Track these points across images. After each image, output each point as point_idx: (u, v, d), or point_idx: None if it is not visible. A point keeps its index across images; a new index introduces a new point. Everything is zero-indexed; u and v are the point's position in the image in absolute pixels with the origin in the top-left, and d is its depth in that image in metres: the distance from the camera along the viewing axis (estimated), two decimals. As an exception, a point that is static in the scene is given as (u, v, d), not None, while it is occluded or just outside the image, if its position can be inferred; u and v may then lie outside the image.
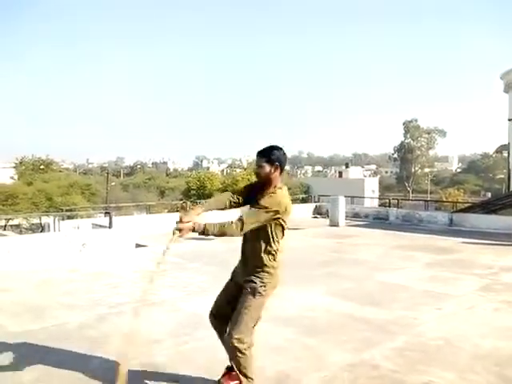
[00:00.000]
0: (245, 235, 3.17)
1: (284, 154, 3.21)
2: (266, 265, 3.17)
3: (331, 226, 14.96)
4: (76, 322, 5.07)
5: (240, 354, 3.10)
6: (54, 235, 10.70)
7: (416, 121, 69.81)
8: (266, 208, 3.03)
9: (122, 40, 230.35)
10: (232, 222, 3.02)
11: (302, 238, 12.13)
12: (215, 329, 3.45)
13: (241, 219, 3.01)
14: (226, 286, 3.53)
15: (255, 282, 3.16)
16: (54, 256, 8.27)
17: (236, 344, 3.07)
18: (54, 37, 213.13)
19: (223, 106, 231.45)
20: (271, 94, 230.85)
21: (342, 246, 10.87)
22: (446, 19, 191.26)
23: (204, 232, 3.09)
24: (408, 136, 69.91)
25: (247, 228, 3.02)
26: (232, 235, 3.02)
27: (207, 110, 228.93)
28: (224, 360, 3.94)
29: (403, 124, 70.32)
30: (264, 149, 3.20)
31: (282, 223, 3.14)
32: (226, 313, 3.29)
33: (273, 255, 3.18)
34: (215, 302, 3.50)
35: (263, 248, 3.15)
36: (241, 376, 3.18)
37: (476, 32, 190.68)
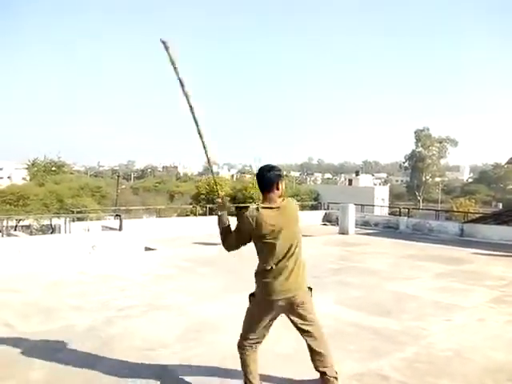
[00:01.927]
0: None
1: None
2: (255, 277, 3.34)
3: (341, 233, 14.90)
4: (84, 323, 5.08)
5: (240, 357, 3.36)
6: (64, 237, 10.77)
7: (428, 130, 69.50)
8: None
9: (131, 43, 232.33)
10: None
11: (311, 245, 12.08)
12: None
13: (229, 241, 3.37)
14: None
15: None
16: (64, 257, 8.32)
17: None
18: (65, 36, 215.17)
19: (233, 111, 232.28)
20: (283, 100, 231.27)
21: (352, 255, 10.81)
22: (460, 31, 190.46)
23: (220, 216, 3.38)
24: (419, 145, 69.58)
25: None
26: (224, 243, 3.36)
27: (218, 115, 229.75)
28: (230, 365, 3.93)
29: (414, 133, 70.03)
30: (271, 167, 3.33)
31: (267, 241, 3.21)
32: None
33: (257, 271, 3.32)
34: None
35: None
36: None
37: (489, 43, 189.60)
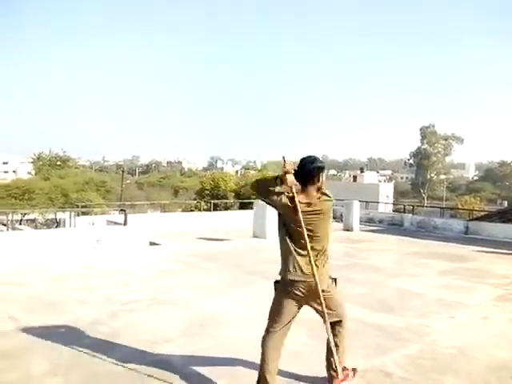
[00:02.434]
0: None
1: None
2: None
3: (345, 230, 14.89)
4: (89, 317, 5.10)
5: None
6: (69, 231, 10.82)
7: (433, 127, 69.27)
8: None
9: (138, 37, 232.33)
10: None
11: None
12: None
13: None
14: None
15: None
16: (69, 252, 8.36)
17: None
18: (67, 31, 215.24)
19: (239, 106, 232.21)
20: (288, 96, 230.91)
21: (356, 251, 10.80)
22: (462, 31, 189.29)
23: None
24: (425, 142, 69.34)
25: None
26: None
27: (223, 111, 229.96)
28: (232, 360, 3.95)
29: (420, 130, 69.81)
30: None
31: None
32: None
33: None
34: None
35: None
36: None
37: (497, 42, 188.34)
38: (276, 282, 3.40)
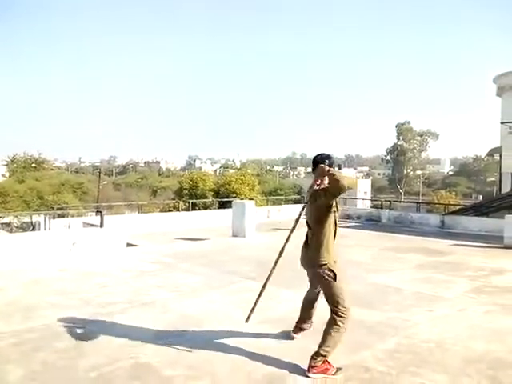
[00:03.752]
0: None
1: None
2: None
3: (323, 227, 14.93)
4: (65, 321, 5.00)
5: None
6: (44, 234, 10.62)
7: (409, 123, 70.19)
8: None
9: (117, 39, 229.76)
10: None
11: (293, 239, 12.09)
12: None
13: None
14: None
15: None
16: (44, 255, 8.19)
17: None
18: (49, 34, 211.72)
19: (217, 106, 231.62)
20: (265, 95, 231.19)
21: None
22: (441, 23, 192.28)
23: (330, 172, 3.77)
24: (401, 138, 70.24)
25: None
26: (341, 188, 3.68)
27: (201, 110, 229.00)
28: (213, 360, 3.92)
29: (396, 126, 70.65)
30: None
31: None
32: None
33: None
34: None
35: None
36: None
37: (471, 36, 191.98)
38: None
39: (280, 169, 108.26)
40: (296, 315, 4.62)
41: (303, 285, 6.78)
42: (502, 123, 21.18)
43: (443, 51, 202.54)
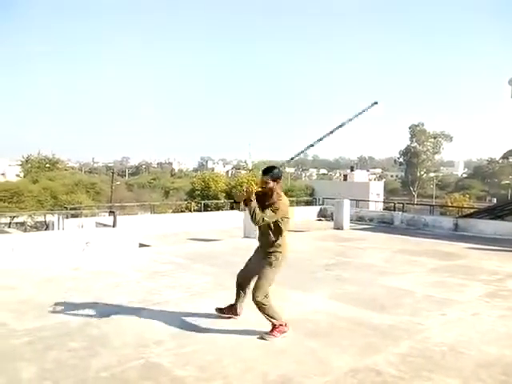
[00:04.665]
0: (261, 230, 4.68)
1: (280, 170, 4.70)
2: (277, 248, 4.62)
3: (335, 228, 14.90)
4: (78, 320, 5.04)
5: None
6: (58, 233, 10.71)
7: (422, 125, 69.76)
8: (278, 210, 4.45)
9: (127, 38, 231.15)
10: (260, 216, 4.40)
11: (306, 240, 12.08)
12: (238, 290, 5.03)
13: (264, 217, 4.41)
14: (247, 262, 4.97)
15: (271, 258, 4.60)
16: (58, 254, 8.27)
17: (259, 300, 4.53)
18: (55, 34, 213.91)
19: (229, 107, 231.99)
20: (277, 95, 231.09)
21: (347, 250, 10.82)
22: (455, 27, 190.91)
23: (248, 204, 4.43)
24: (414, 140, 69.83)
25: (264, 223, 4.47)
26: (253, 220, 4.41)
27: (213, 111, 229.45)
28: (224, 361, 3.92)
29: (409, 128, 70.28)
30: (267, 168, 4.67)
31: (285, 220, 4.59)
32: (247, 279, 4.90)
33: (280, 243, 4.61)
34: (241, 271, 5.00)
35: (275, 238, 4.59)
36: (272, 320, 4.58)
37: (487, 39, 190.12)
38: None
39: (292, 170, 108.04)
40: (308, 317, 4.61)
41: (314, 287, 6.80)
42: (517, 125, 20.92)
43: (458, 52, 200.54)
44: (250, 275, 4.82)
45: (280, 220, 4.52)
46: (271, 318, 4.58)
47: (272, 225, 4.54)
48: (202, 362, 3.97)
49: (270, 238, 4.60)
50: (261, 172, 4.64)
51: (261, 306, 4.54)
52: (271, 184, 4.50)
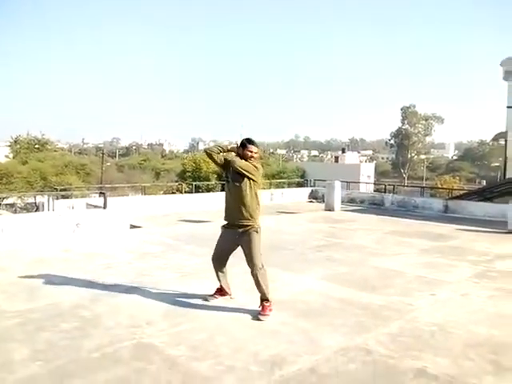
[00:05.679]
0: (243, 200, 4.80)
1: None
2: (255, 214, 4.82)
3: (326, 210, 14.95)
4: (69, 301, 5.03)
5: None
6: (48, 215, 10.64)
7: (414, 107, 69.71)
8: (246, 165, 4.73)
9: (120, 20, 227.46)
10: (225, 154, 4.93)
11: (297, 222, 12.12)
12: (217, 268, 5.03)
13: (226, 157, 4.88)
14: (220, 243, 5.07)
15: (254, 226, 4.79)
16: (48, 236, 8.23)
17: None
18: (50, 19, 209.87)
19: (220, 88, 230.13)
20: (269, 77, 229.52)
21: (338, 231, 10.86)
22: (446, 8, 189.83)
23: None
24: (405, 122, 69.82)
25: (220, 158, 4.87)
26: (213, 150, 4.89)
27: (204, 92, 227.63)
28: (216, 341, 3.94)
29: (401, 110, 70.22)
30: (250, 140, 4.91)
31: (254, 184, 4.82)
32: (224, 259, 5.02)
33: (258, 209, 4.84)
34: (216, 253, 5.05)
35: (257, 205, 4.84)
36: (267, 295, 4.69)
37: (477, 20, 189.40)
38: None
39: (283, 152, 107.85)
40: (299, 297, 4.63)
41: (305, 268, 6.83)
42: (508, 107, 20.95)
43: (449, 36, 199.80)
44: (226, 254, 4.96)
45: (250, 182, 4.73)
46: (266, 292, 4.68)
47: (252, 191, 4.76)
48: (194, 342, 3.99)
49: (250, 206, 4.76)
50: (245, 142, 4.86)
51: (261, 277, 4.64)
52: (254, 152, 4.82)
